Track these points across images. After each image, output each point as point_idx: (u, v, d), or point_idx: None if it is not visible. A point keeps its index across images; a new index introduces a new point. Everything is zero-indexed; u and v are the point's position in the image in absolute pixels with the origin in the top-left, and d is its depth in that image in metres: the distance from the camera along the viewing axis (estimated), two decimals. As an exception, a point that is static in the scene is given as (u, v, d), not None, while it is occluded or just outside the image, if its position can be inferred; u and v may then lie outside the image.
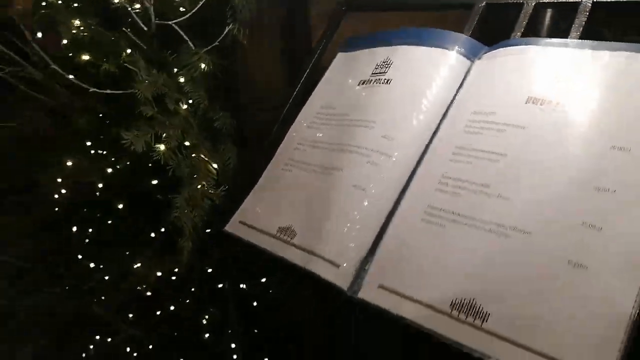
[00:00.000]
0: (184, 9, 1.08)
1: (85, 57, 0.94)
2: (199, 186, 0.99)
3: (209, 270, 1.37)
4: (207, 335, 1.50)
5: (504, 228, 0.57)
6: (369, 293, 0.62)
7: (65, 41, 0.99)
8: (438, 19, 0.85)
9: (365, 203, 0.67)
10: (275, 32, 1.46)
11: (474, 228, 0.59)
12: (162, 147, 0.95)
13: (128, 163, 1.28)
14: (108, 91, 0.94)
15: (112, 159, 1.28)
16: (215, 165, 1.03)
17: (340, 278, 0.63)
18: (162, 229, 1.35)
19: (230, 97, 1.19)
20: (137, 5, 1.04)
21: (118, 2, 1.03)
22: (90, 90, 0.93)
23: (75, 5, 1.11)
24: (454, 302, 0.55)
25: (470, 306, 0.54)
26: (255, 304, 1.42)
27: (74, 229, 1.28)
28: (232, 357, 1.49)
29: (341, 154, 0.74)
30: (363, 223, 0.66)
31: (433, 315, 0.56)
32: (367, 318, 1.01)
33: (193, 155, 1.06)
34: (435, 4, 0.88)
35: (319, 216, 0.70)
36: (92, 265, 1.44)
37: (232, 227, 0.80)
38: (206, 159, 1.03)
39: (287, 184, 0.78)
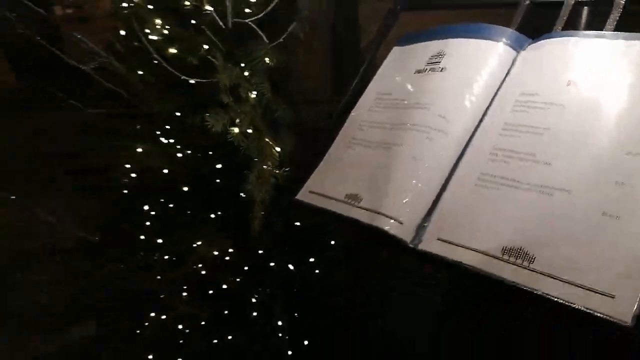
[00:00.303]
0: (249, 10, 1.22)
1: (173, 51, 1.08)
2: (265, 166, 1.12)
3: (260, 252, 1.49)
4: (255, 313, 1.61)
5: (547, 188, 0.67)
6: (428, 244, 0.73)
7: (153, 37, 1.14)
8: (475, 18, 0.96)
9: (424, 172, 0.79)
10: (324, 30, 1.58)
11: (520, 189, 0.69)
12: (236, 130, 1.08)
13: (189, 152, 1.42)
14: (194, 80, 1.08)
15: (178, 146, 1.42)
16: (278, 149, 1.16)
17: (404, 233, 0.75)
18: (219, 212, 1.48)
19: (288, 91, 1.32)
20: (208, 8, 1.18)
21: (189, 5, 1.18)
22: (182, 78, 1.07)
23: (153, 7, 1.25)
24: (504, 248, 0.66)
25: (519, 251, 0.65)
26: (301, 284, 1.53)
27: (146, 207, 1.43)
28: (279, 336, 1.60)
29: (400, 132, 0.85)
30: (422, 188, 0.77)
31: (487, 260, 0.66)
32: (401, 296, 1.12)
33: (258, 139, 1.19)
34: (482, 2, 0.99)
35: (382, 184, 0.81)
36: (155, 244, 1.58)
37: (303, 195, 0.92)
38: (270, 142, 1.16)
39: (351, 159, 0.90)
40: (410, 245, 0.74)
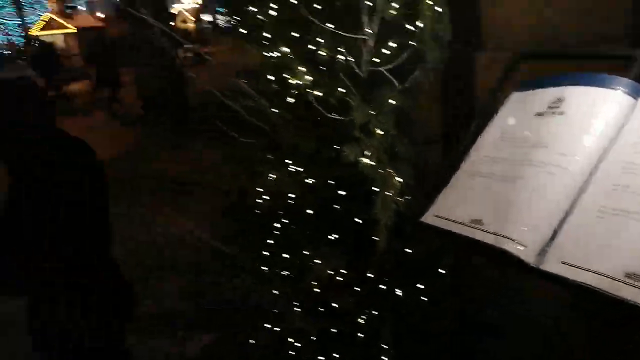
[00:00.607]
0: (377, 60, 1.41)
1: (318, 93, 1.30)
2: (388, 193, 1.27)
3: (371, 275, 1.61)
4: (363, 334, 1.72)
5: (670, 221, 0.74)
6: (551, 266, 0.82)
7: (298, 82, 1.37)
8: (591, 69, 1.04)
9: (546, 202, 0.88)
10: (438, 75, 1.73)
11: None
12: (365, 161, 1.26)
13: (316, 180, 1.61)
14: (332, 117, 1.28)
15: (306, 175, 1.62)
16: (399, 179, 1.31)
17: (527, 255, 0.84)
18: (338, 235, 1.64)
19: (409, 129, 1.47)
20: (348, 58, 1.39)
21: (326, 54, 1.40)
22: (329, 115, 1.27)
23: (294, 57, 1.49)
24: (627, 273, 0.73)
25: (641, 276, 0.72)
26: (411, 309, 1.62)
27: (277, 225, 1.64)
28: (384, 359, 1.69)
29: (523, 167, 0.96)
30: (544, 216, 0.87)
31: (610, 282, 0.74)
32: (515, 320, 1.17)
33: (379, 170, 1.35)
34: (597, 54, 1.08)
35: (506, 211, 0.92)
36: (277, 260, 1.77)
37: (427, 218, 1.05)
38: (393, 173, 1.31)
39: (474, 188, 1.02)
40: (533, 266, 0.83)
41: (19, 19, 21.27)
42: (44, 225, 1.47)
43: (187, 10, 30.79)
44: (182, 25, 26.41)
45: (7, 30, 26.99)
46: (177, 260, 2.68)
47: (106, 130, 7.35)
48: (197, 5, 32.83)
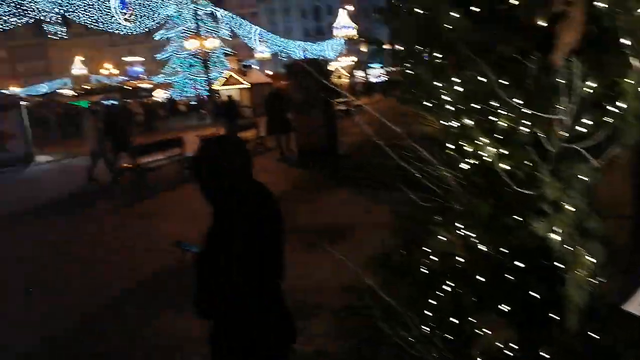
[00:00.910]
0: (566, 134, 1.39)
1: (504, 166, 1.33)
2: (580, 273, 1.22)
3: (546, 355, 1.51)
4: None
5: None
6: None
7: (481, 153, 1.42)
8: None
9: None
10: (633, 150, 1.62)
11: None
12: (555, 236, 1.23)
13: (488, 247, 1.60)
14: (526, 191, 1.30)
15: (478, 241, 1.63)
16: (591, 259, 1.24)
17: None
18: (511, 307, 1.59)
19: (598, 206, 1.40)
20: (528, 130, 1.40)
21: (507, 126, 1.43)
22: (517, 188, 1.30)
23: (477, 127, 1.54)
24: None
25: None
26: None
27: (447, 289, 1.66)
28: None
29: None
30: None
31: None
32: None
33: (568, 247, 1.30)
34: None
35: None
36: (441, 322, 1.77)
37: (632, 307, 0.99)
38: (583, 252, 1.26)
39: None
40: None
41: (205, 76, 25.17)
42: (240, 258, 1.71)
43: (342, 67, 33.24)
44: (337, 81, 28.52)
45: (196, 85, 32.19)
46: (329, 303, 2.79)
47: (270, 172, 8.17)
48: (352, 63, 35.20)
